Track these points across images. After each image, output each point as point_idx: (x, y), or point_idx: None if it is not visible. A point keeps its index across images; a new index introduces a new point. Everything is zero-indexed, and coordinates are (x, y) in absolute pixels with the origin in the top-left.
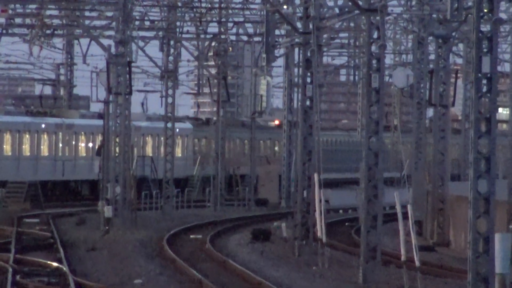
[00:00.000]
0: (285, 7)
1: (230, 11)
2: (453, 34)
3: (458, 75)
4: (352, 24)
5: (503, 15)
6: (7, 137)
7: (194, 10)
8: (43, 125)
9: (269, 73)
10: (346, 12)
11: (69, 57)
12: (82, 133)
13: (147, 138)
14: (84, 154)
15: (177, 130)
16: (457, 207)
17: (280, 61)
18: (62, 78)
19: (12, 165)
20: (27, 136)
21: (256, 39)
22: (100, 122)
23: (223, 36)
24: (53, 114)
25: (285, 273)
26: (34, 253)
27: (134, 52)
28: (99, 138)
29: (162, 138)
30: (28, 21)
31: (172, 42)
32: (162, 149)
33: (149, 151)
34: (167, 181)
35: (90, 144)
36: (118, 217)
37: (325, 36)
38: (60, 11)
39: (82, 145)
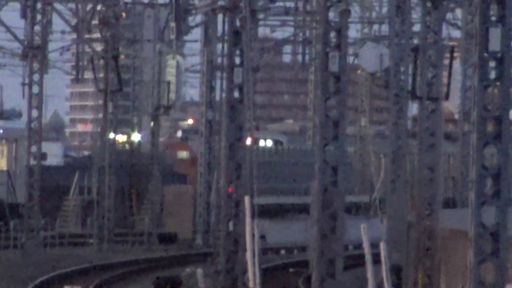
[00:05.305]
0: None
1: None
2: None
3: (455, 54)
4: None
5: None
6: None
7: None
8: None
9: (180, 50)
10: None
11: None
12: None
13: None
14: None
15: (0, 131)
16: (453, 247)
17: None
18: None
19: None
20: None
21: (162, 0)
22: None
23: None
24: None
25: None
26: None
27: None
28: None
29: None
30: None
31: (39, 5)
32: None
33: None
34: (31, 206)
35: None
36: None
37: None
38: None
39: None
